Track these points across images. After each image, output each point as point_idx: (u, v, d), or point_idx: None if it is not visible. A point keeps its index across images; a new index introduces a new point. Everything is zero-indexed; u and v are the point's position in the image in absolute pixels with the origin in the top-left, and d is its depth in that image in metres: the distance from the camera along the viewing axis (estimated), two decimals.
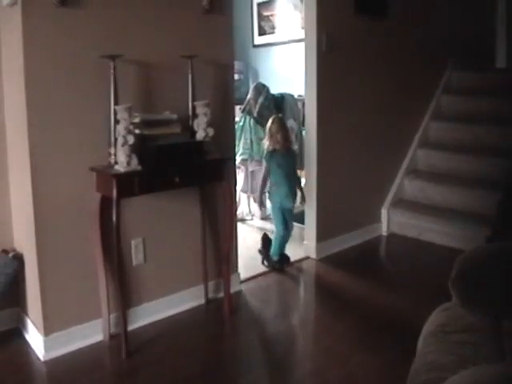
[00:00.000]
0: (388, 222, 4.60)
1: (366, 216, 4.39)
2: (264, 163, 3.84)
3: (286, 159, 3.75)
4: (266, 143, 3.82)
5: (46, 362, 2.62)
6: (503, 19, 5.83)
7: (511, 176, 4.14)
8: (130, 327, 2.82)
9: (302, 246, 4.14)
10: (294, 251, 4.13)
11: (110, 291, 2.77)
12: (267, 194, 3.96)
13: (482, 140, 4.65)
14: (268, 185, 3.86)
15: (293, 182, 3.79)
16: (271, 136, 3.74)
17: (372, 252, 4.29)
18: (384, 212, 4.60)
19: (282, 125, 3.78)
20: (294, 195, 3.81)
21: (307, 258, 3.97)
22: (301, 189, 3.93)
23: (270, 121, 3.82)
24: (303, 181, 4.05)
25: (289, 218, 3.84)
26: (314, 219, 3.98)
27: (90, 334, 2.77)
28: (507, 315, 1.83)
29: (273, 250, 3.83)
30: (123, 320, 2.66)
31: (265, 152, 3.87)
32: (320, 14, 3.78)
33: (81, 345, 2.73)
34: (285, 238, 3.85)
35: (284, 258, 3.86)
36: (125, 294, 2.73)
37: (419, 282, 3.62)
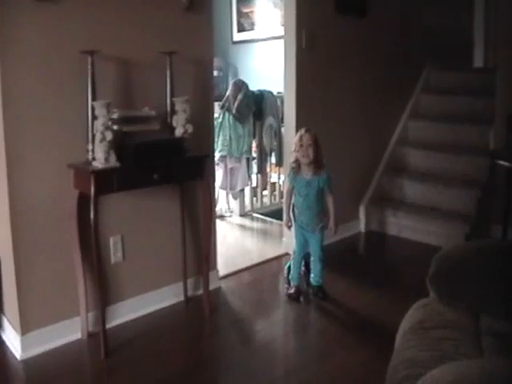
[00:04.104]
0: (366, 219, 4.63)
1: (344, 213, 4.38)
2: (287, 182, 3.34)
3: (308, 189, 3.15)
4: (291, 156, 3.22)
5: (23, 362, 2.58)
6: (480, 20, 5.90)
7: (489, 174, 4.20)
8: (109, 325, 2.79)
9: (282, 243, 4.15)
10: (273, 248, 4.15)
11: (89, 289, 2.74)
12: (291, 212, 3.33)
13: (461, 138, 4.70)
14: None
15: (316, 213, 3.20)
16: (300, 147, 3.10)
17: (350, 249, 4.31)
18: (362, 209, 4.63)
19: (315, 139, 3.11)
20: (317, 224, 3.22)
21: (286, 254, 3.96)
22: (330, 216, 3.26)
23: (301, 130, 3.16)
24: (281, 178, 3.81)
25: (312, 241, 3.27)
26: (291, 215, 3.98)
27: (68, 332, 2.74)
28: (485, 311, 1.85)
29: (291, 272, 3.35)
30: (102, 318, 2.63)
31: (289, 169, 3.28)
32: (299, 11, 3.78)
33: (58, 343, 2.70)
34: (299, 259, 3.31)
35: (310, 290, 3.36)
36: (103, 292, 2.70)
37: (398, 279, 3.65)
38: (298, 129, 3.76)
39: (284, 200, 3.44)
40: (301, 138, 3.13)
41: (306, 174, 3.17)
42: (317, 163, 3.15)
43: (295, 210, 3.28)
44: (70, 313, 2.75)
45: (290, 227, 3.33)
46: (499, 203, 3.92)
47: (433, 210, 4.38)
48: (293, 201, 3.29)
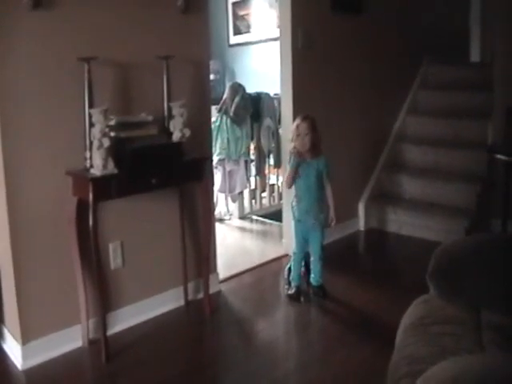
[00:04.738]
0: (366, 216, 4.62)
1: (343, 211, 4.33)
2: (287, 168, 3.28)
3: (308, 169, 3.16)
4: (290, 144, 3.20)
5: (24, 371, 2.57)
6: (477, 14, 5.90)
7: (488, 168, 4.19)
8: (110, 332, 2.79)
9: (281, 244, 4.15)
10: (272, 249, 4.16)
11: (89, 296, 2.73)
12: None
13: (459, 134, 4.70)
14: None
15: (316, 197, 3.20)
16: (298, 136, 3.11)
17: (350, 247, 4.32)
18: (361, 206, 4.62)
19: (313, 127, 3.13)
20: (318, 212, 3.22)
21: (286, 255, 3.96)
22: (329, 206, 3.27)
23: (298, 119, 3.17)
24: (280, 179, 3.81)
25: (311, 240, 3.26)
26: (290, 216, 3.95)
27: (69, 340, 2.73)
28: (485, 305, 1.85)
29: (292, 273, 3.35)
30: (102, 325, 2.63)
31: (289, 155, 3.25)
32: (295, 11, 3.78)
33: (60, 352, 2.69)
34: (300, 259, 3.30)
35: (310, 290, 3.34)
36: (103, 299, 2.69)
37: (398, 276, 3.66)
38: None
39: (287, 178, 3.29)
40: (297, 127, 3.14)
41: (305, 157, 3.17)
42: (314, 150, 3.16)
43: (294, 202, 3.27)
44: (71, 320, 2.74)
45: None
46: (498, 197, 3.91)
47: (432, 206, 4.38)
48: (292, 196, 3.29)
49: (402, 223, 4.42)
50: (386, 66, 4.70)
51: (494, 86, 4.23)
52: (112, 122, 2.62)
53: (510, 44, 4.09)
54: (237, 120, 4.76)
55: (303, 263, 3.37)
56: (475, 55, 5.98)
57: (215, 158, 4.59)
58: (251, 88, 5.12)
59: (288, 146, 3.39)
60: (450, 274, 1.94)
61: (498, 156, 3.54)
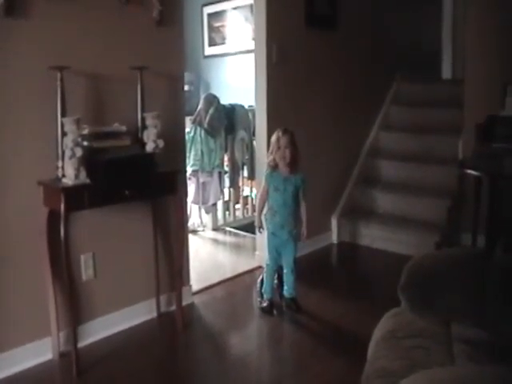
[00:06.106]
0: (338, 230, 4.65)
1: (316, 225, 4.37)
2: (263, 181, 3.28)
3: (286, 184, 3.16)
4: (269, 157, 3.22)
5: None
6: (448, 33, 6.02)
7: (459, 183, 4.26)
8: (81, 344, 2.75)
9: (254, 256, 4.15)
10: (245, 261, 4.15)
11: (60, 308, 2.70)
12: (263, 217, 3.32)
13: (431, 149, 4.77)
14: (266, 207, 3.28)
15: (291, 212, 3.20)
16: (278, 149, 3.13)
17: (323, 260, 4.33)
18: (334, 220, 4.65)
19: (293, 141, 3.14)
20: (291, 227, 3.23)
21: (259, 267, 3.95)
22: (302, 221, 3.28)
23: (278, 132, 3.17)
24: (254, 191, 3.84)
25: (284, 253, 3.26)
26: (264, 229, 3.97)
27: (39, 352, 2.68)
28: (456, 319, 1.87)
29: (264, 285, 3.34)
30: (73, 337, 2.60)
31: (266, 168, 3.27)
32: (270, 26, 3.82)
33: (29, 364, 2.64)
34: (272, 272, 3.30)
35: (283, 302, 3.34)
36: (75, 310, 2.67)
37: (370, 289, 3.68)
38: (269, 142, 3.73)
39: (257, 204, 3.42)
40: (278, 140, 3.15)
41: (283, 172, 3.19)
42: (294, 165, 3.18)
43: (268, 215, 3.27)
44: (41, 333, 2.70)
45: (260, 230, 3.35)
46: (469, 212, 3.97)
47: (404, 220, 4.43)
48: (266, 208, 3.29)
49: (374, 237, 4.46)
50: (359, 81, 4.76)
51: (464, 103, 4.31)
52: (85, 132, 2.61)
53: (479, 62, 4.18)
54: (211, 131, 4.77)
55: (276, 276, 3.37)
56: (447, 72, 6.10)
57: (189, 170, 4.58)
58: (225, 100, 5.14)
59: (262, 158, 3.41)
60: (421, 288, 1.96)
61: (469, 171, 3.60)
